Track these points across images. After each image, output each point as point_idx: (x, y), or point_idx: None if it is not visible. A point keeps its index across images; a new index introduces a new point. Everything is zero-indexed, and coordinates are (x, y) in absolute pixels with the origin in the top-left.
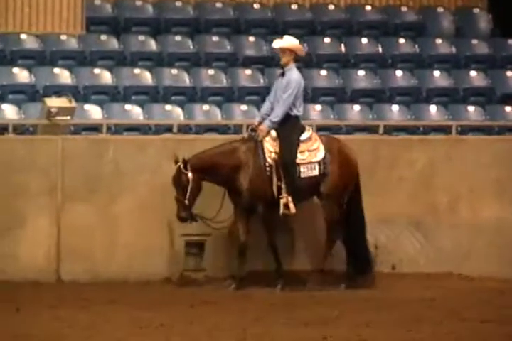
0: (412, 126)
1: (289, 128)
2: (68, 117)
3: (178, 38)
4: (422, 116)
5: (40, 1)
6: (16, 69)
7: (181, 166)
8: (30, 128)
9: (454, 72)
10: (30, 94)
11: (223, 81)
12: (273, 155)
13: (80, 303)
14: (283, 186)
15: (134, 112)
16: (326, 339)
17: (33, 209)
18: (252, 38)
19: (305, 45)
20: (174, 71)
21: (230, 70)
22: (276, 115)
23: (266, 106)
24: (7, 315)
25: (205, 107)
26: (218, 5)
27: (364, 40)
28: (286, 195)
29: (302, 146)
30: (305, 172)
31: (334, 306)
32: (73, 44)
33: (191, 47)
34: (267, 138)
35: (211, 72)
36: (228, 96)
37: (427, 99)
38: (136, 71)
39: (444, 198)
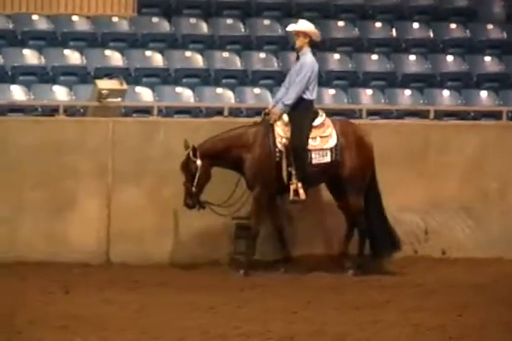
0: (462, 112)
1: (301, 113)
2: (119, 99)
3: (229, 21)
4: (473, 101)
5: None
6: (67, 51)
7: (190, 153)
8: (81, 110)
9: (506, 57)
10: (81, 76)
11: (274, 65)
12: (284, 140)
13: (130, 285)
14: (293, 172)
15: (185, 95)
16: (376, 324)
17: (83, 191)
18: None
19: (356, 29)
20: (225, 54)
21: (281, 54)
22: (289, 98)
23: (281, 92)
24: (57, 297)
25: (256, 90)
26: None
27: (415, 25)
28: (296, 181)
29: (314, 132)
30: (316, 158)
31: (384, 290)
32: (125, 26)
33: (242, 30)
34: (279, 123)
35: (262, 55)
36: (279, 79)
37: (477, 85)
38: (187, 54)
39: (494, 184)
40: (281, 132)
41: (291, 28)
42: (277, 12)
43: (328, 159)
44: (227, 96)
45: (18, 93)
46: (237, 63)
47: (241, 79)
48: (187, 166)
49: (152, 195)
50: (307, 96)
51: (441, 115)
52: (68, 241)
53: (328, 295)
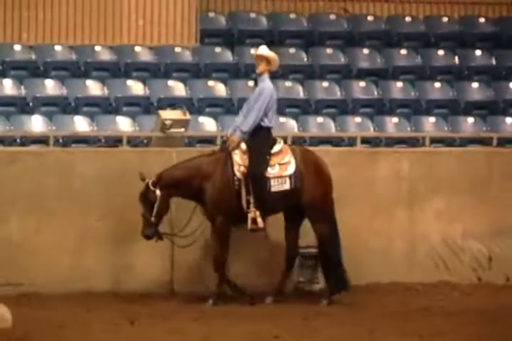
0: None
1: (259, 141)
2: (182, 129)
3: (291, 50)
4: None
5: (155, 14)
6: (130, 82)
7: (149, 183)
8: (145, 141)
9: None
10: (144, 107)
11: (337, 93)
12: (242, 168)
13: (194, 315)
14: (251, 200)
15: None
16: None
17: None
18: (365, 50)
19: (418, 57)
20: (288, 83)
21: (344, 82)
22: (247, 124)
23: (240, 119)
24: (122, 327)
25: (319, 119)
26: (332, 17)
27: (478, 52)
28: (254, 210)
29: (273, 159)
30: (275, 186)
31: (448, 318)
32: (187, 56)
33: (305, 59)
34: (237, 151)
35: (325, 84)
36: (342, 108)
37: None
38: (250, 83)
39: None
40: (240, 160)
41: (260, 51)
42: (339, 41)
43: (287, 186)
44: (290, 125)
45: (81, 124)
46: (300, 92)
47: (304, 108)
48: (145, 196)
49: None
50: (265, 123)
51: (504, 142)
52: (133, 270)
53: (392, 323)
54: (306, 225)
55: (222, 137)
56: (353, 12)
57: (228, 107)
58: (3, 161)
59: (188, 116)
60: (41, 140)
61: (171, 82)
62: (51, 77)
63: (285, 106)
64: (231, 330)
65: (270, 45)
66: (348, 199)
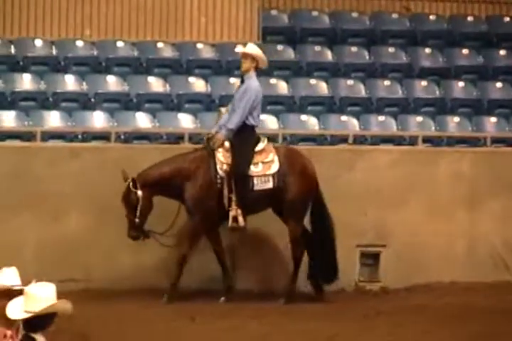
0: None
1: (243, 139)
2: None
3: (354, 48)
4: None
5: (217, 11)
6: (192, 79)
7: (130, 184)
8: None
9: None
10: (206, 104)
11: (398, 92)
12: (225, 166)
13: (253, 313)
14: (233, 198)
15: (310, 122)
16: None
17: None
18: (428, 49)
19: (480, 57)
20: (350, 82)
21: (406, 81)
22: (233, 122)
23: (225, 117)
24: (182, 324)
25: (381, 118)
26: (394, 16)
27: None
28: (235, 208)
29: (256, 158)
30: (258, 184)
31: (505, 319)
32: None
33: (367, 57)
34: (220, 149)
35: (387, 83)
36: (404, 107)
37: None
38: (312, 81)
39: None
40: (223, 158)
41: (240, 49)
42: (402, 40)
43: (270, 185)
44: (351, 123)
45: (143, 120)
46: (362, 91)
47: (365, 107)
48: (127, 198)
49: (272, 222)
50: (250, 121)
51: None
52: (192, 268)
53: (450, 323)
54: (363, 223)
55: (207, 134)
56: (415, 11)
57: (290, 105)
58: (65, 157)
59: None
60: (103, 136)
61: (232, 80)
62: (113, 73)
63: (347, 104)
64: (289, 328)
65: (332, 44)
66: (409, 199)
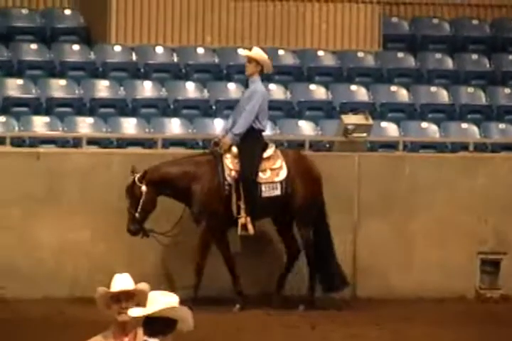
0: None
1: (251, 144)
2: (365, 134)
3: (474, 56)
4: None
5: (338, 18)
6: (313, 86)
7: (136, 178)
8: (327, 145)
9: None
10: (327, 111)
11: None
12: (233, 173)
13: (374, 320)
14: (242, 206)
15: (430, 130)
16: None
17: (330, 225)
18: None
19: None
20: (470, 89)
21: None
22: (239, 127)
23: (230, 121)
24: (302, 332)
25: (502, 126)
26: None
27: None
28: (244, 215)
29: (264, 164)
30: (266, 191)
31: None
32: (370, 61)
33: (487, 65)
34: (228, 155)
35: (507, 90)
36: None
37: None
38: (433, 89)
39: None
40: (231, 165)
41: (245, 53)
42: None
43: (278, 192)
44: (472, 131)
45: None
46: (482, 98)
47: (486, 114)
48: (131, 191)
49: (398, 230)
50: (257, 125)
51: None
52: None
53: None
54: (484, 231)
55: (214, 138)
56: None
57: (410, 112)
58: None
59: (370, 121)
60: None
61: (353, 87)
62: (233, 81)
63: (467, 112)
64: (410, 335)
65: (453, 51)
66: None
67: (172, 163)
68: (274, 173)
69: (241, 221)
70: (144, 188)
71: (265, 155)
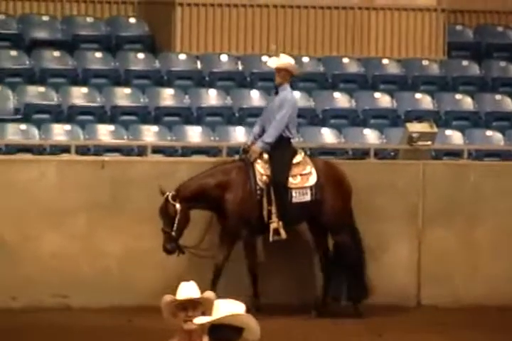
0: None
1: (281, 151)
2: (429, 142)
3: None
4: None
5: (402, 27)
6: (377, 94)
7: (169, 197)
8: (392, 153)
9: None
10: (392, 119)
11: None
12: (264, 177)
13: (439, 329)
14: (273, 211)
15: (495, 138)
16: None
17: (394, 233)
18: None
19: None
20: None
21: None
22: (270, 135)
23: (257, 128)
24: (369, 340)
25: None
26: None
27: None
28: (276, 220)
29: (294, 170)
30: (297, 197)
31: None
32: (435, 69)
33: None
34: (259, 161)
35: None
36: None
37: None
38: (498, 97)
39: None
40: (262, 169)
41: (273, 64)
42: None
43: (308, 198)
44: (497, 138)
45: (328, 136)
46: None
47: None
48: (165, 211)
49: (462, 238)
50: (286, 134)
51: None
52: (380, 283)
53: None
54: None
55: (244, 145)
56: None
57: (475, 120)
58: None
59: (435, 129)
60: None
61: (418, 95)
62: (299, 89)
63: (493, 119)
64: None
65: None
66: None
67: (203, 174)
68: (304, 179)
69: (273, 225)
70: (178, 206)
71: (295, 161)
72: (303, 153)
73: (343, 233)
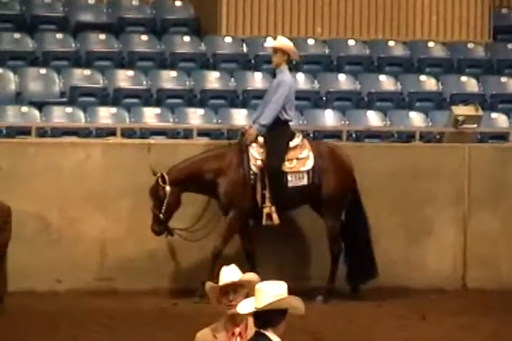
0: None
1: (277, 134)
2: (475, 125)
3: None
4: None
5: (448, 10)
6: (423, 77)
7: (159, 179)
8: (437, 136)
9: None
10: (437, 102)
11: None
12: (258, 162)
13: (484, 311)
14: (267, 195)
15: None
16: None
17: (440, 217)
18: None
19: None
20: None
21: None
22: (266, 117)
23: (258, 112)
24: (412, 323)
25: None
26: None
27: None
28: (269, 205)
29: (291, 154)
30: (293, 181)
31: None
32: (480, 52)
33: None
34: (254, 145)
35: None
36: None
37: None
38: (503, 79)
39: None
40: (256, 154)
41: (270, 44)
42: None
43: (304, 182)
44: None
45: (374, 119)
46: None
47: None
48: (155, 192)
49: (508, 220)
50: (284, 116)
51: None
52: (425, 266)
53: None
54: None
55: (242, 129)
56: None
57: None
58: None
59: (480, 112)
60: (334, 134)
61: (463, 78)
62: (344, 72)
63: None
64: None
65: None
66: None
67: (196, 158)
68: (300, 163)
69: (266, 210)
70: (168, 188)
71: (292, 144)
72: (301, 136)
73: (336, 219)
